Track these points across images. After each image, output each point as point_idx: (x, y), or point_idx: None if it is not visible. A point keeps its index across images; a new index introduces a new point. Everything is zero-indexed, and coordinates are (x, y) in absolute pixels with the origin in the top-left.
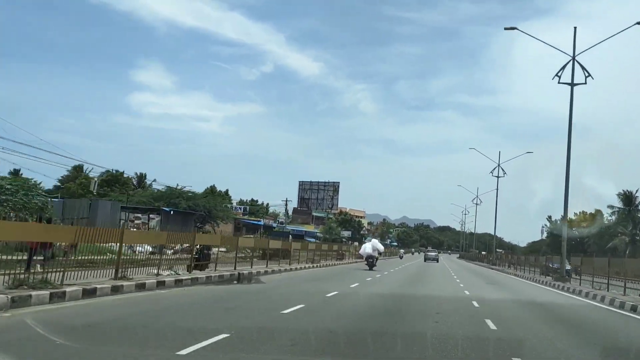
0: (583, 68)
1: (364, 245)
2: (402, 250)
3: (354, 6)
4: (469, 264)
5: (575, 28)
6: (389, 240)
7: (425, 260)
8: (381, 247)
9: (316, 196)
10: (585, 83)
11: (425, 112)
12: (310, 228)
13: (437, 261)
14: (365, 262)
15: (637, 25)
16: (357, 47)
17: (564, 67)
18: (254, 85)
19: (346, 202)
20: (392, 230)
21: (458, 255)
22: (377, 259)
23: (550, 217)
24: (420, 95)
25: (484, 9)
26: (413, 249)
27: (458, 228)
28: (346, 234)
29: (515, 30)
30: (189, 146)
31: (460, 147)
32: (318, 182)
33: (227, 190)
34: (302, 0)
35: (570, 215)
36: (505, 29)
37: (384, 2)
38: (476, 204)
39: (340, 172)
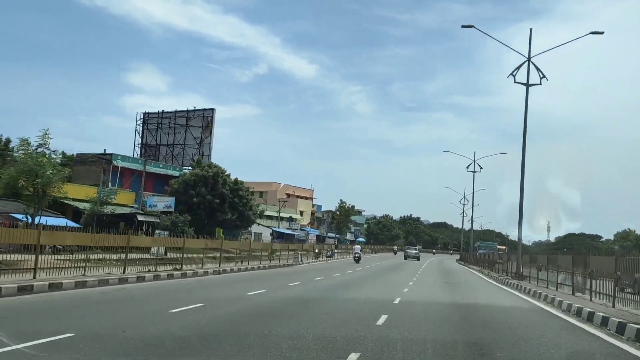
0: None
1: None
2: (358, 246)
3: (348, 8)
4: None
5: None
6: (350, 235)
7: (405, 258)
8: None
9: (172, 138)
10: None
11: (420, 113)
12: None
13: (418, 259)
14: None
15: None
16: (352, 49)
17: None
18: (248, 88)
19: (337, 199)
20: (356, 217)
21: (459, 256)
22: None
23: None
24: (416, 97)
25: (477, 10)
26: (396, 247)
27: (455, 224)
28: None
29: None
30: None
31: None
32: (176, 111)
33: None
34: (296, 3)
35: None
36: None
37: (378, 4)
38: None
39: (335, 173)
